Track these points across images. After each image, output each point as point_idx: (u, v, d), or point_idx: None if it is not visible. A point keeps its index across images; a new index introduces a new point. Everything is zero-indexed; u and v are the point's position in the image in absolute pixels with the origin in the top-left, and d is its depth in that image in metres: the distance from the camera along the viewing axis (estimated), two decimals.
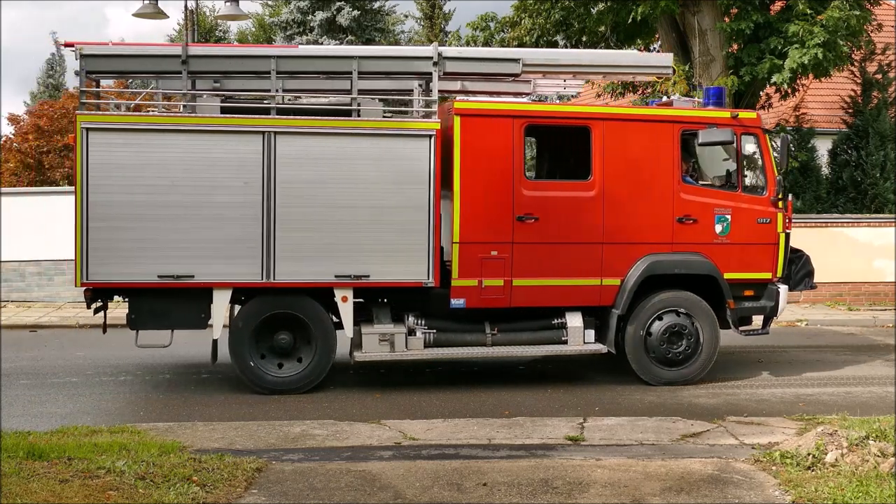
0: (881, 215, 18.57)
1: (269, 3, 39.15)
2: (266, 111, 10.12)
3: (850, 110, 20.50)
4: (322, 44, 29.73)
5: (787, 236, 10.90)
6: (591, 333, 10.59)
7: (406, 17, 41.08)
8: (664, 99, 12.02)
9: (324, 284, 10.06)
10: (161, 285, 9.83)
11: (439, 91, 10.58)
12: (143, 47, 11.34)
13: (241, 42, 39.59)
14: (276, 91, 10.31)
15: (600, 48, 19.24)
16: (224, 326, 10.25)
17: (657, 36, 20.65)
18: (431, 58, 10.38)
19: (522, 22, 19.97)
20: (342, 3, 31.15)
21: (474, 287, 10.24)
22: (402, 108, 11.08)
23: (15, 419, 8.94)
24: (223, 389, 10.50)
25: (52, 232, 17.26)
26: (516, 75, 11.10)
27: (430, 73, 10.40)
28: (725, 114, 10.85)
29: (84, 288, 9.90)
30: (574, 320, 10.53)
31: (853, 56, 19.27)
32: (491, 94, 11.94)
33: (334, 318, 10.27)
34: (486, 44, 20.86)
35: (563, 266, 10.40)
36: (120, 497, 6.35)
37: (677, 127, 10.64)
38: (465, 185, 10.15)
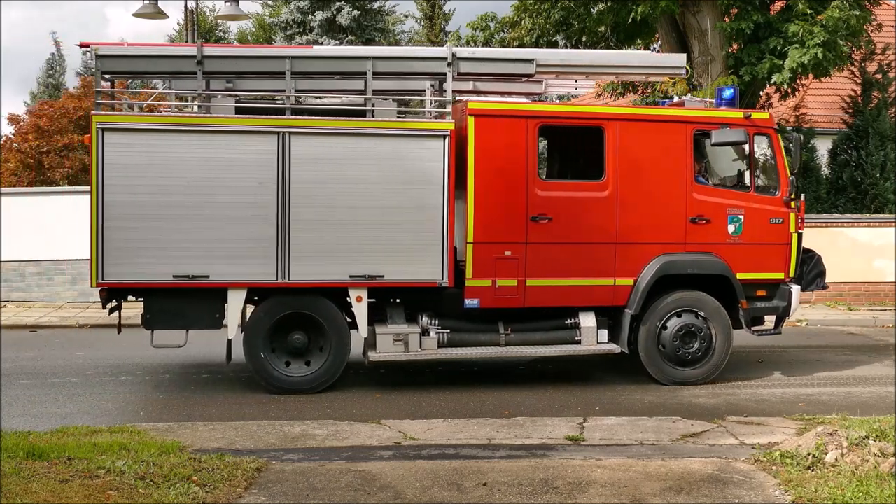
0: (881, 215, 18.57)
1: (269, 3, 39.20)
2: (281, 111, 10.15)
3: (850, 110, 20.49)
4: (322, 44, 29.73)
5: (800, 236, 10.91)
6: (604, 333, 10.61)
7: (406, 17, 41.16)
8: (675, 99, 12.01)
9: (338, 284, 10.07)
10: (176, 285, 9.84)
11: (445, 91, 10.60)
12: (158, 48, 11.40)
13: (242, 42, 39.59)
14: (290, 91, 10.31)
15: (600, 48, 19.25)
16: (238, 326, 10.24)
17: (657, 36, 20.64)
18: (446, 58, 10.41)
19: (523, 22, 19.96)
20: (342, 3, 31.17)
21: (488, 287, 10.26)
22: (414, 109, 11.09)
23: (15, 419, 8.94)
24: (223, 389, 10.50)
25: (52, 232, 17.30)
26: (530, 76, 11.12)
27: (444, 74, 10.42)
28: (738, 114, 10.86)
29: (100, 288, 9.90)
30: (587, 320, 10.55)
31: (853, 56, 19.26)
32: (502, 94, 11.95)
33: (347, 319, 10.29)
34: (486, 44, 20.85)
35: (576, 266, 10.42)
36: (120, 497, 6.34)
37: (690, 127, 10.65)
38: (479, 185, 10.17)
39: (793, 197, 10.88)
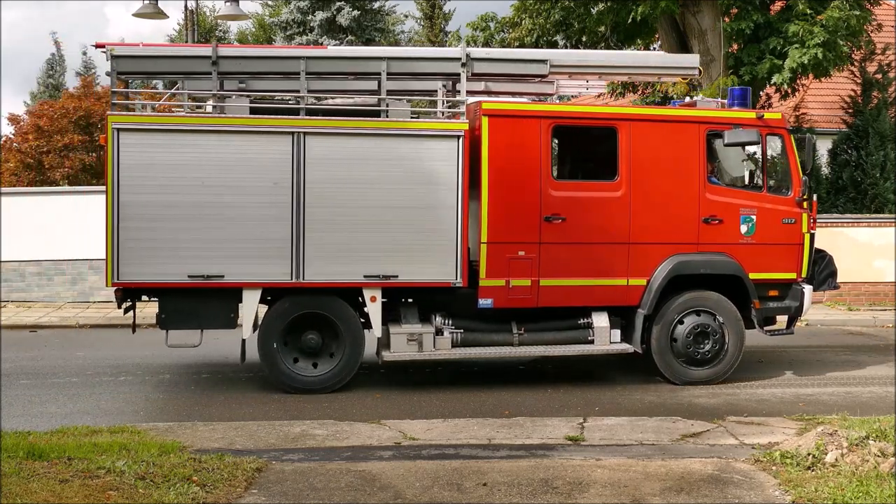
0: (881, 215, 18.56)
1: (269, 3, 39.20)
2: (294, 112, 10.16)
3: (850, 110, 20.48)
4: (322, 44, 29.73)
5: (812, 237, 10.93)
6: (617, 333, 10.63)
7: (406, 17, 41.17)
8: (686, 100, 12.02)
9: (353, 284, 10.10)
10: (191, 285, 9.86)
11: (459, 91, 10.62)
12: (173, 48, 11.43)
13: (241, 42, 39.58)
14: (304, 92, 10.33)
15: (600, 48, 19.26)
16: (252, 326, 10.24)
17: (657, 36, 20.65)
18: (460, 59, 10.43)
19: (523, 22, 19.97)
20: (342, 3, 31.17)
21: (502, 287, 10.27)
22: (425, 109, 11.10)
23: (15, 419, 8.94)
24: (223, 389, 10.51)
25: (52, 232, 17.29)
26: (544, 76, 11.14)
27: (458, 74, 10.44)
28: (751, 114, 10.88)
29: (115, 288, 9.90)
30: (600, 320, 10.57)
31: (853, 56, 19.27)
32: (513, 94, 11.96)
33: (360, 319, 10.31)
34: (486, 44, 20.84)
35: (589, 266, 10.44)
36: (120, 497, 6.34)
37: (703, 128, 10.67)
38: (493, 185, 10.19)
39: (805, 197, 10.89)
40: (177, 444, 7.69)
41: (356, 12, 31.15)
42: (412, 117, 10.64)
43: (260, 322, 10.26)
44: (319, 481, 6.90)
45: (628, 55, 13.14)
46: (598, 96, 21.56)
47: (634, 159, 10.47)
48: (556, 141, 10.48)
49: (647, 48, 21.62)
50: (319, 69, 10.58)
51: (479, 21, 21.02)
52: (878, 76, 20.31)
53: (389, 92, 10.55)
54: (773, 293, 10.96)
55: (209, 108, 10.83)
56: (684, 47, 18.48)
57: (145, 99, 13.60)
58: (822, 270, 11.21)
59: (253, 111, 10.23)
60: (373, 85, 10.99)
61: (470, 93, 11.14)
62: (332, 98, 11.48)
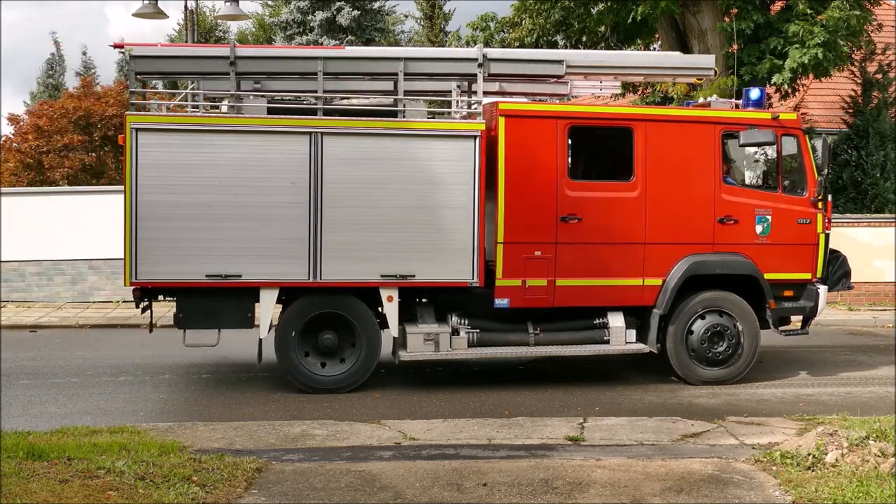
0: (881, 215, 18.56)
1: (269, 3, 39.18)
2: (312, 112, 10.17)
3: (850, 110, 20.49)
4: (322, 44, 29.73)
5: (827, 237, 10.95)
6: (632, 333, 10.65)
7: (406, 17, 41.14)
8: (700, 100, 12.05)
9: (370, 284, 10.12)
10: (209, 285, 9.88)
11: (474, 92, 10.63)
12: (191, 48, 11.44)
13: (241, 42, 39.57)
14: (321, 92, 10.32)
15: (600, 48, 19.26)
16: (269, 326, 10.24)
17: (657, 36, 20.65)
18: (476, 59, 10.44)
19: (523, 22, 19.97)
20: (342, 3, 31.15)
21: (518, 287, 10.29)
22: (440, 109, 11.11)
23: (15, 419, 8.94)
24: (223, 389, 10.50)
25: (52, 232, 17.28)
26: (560, 77, 11.15)
27: (475, 75, 10.45)
28: (766, 115, 10.90)
29: (133, 287, 9.92)
30: (616, 320, 10.59)
31: (853, 56, 19.27)
32: (527, 95, 11.97)
33: (377, 318, 10.33)
34: (486, 44, 20.84)
35: (605, 266, 10.47)
36: (120, 497, 6.34)
37: (718, 128, 10.70)
38: (509, 185, 10.21)
39: (820, 197, 10.91)
40: (177, 444, 7.69)
41: (356, 12, 31.13)
42: (428, 118, 10.66)
43: (276, 322, 10.27)
44: (319, 481, 6.90)
45: (645, 56, 13.18)
46: (598, 97, 21.56)
47: (650, 160, 10.49)
48: (572, 141, 10.52)
49: (647, 48, 21.63)
50: (337, 69, 10.60)
51: (479, 21, 21.02)
52: (879, 76, 20.31)
53: (406, 92, 10.55)
54: (787, 293, 11.00)
55: (224, 109, 10.84)
56: (684, 47, 18.48)
57: (162, 100, 13.62)
58: (837, 270, 11.24)
59: (270, 111, 10.25)
60: (387, 85, 11.06)
61: (484, 93, 11.17)
62: (348, 98, 11.49)
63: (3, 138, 23.58)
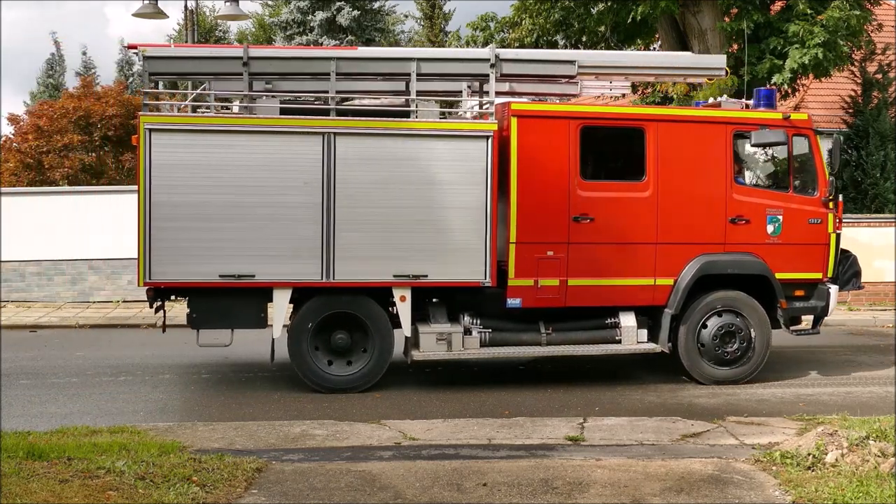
0: (881, 215, 18.56)
1: (269, 3, 39.17)
2: (325, 112, 10.18)
3: (851, 110, 20.49)
4: (322, 44, 29.73)
5: (838, 237, 10.97)
6: (644, 333, 10.67)
7: (406, 17, 41.11)
8: (711, 101, 12.06)
9: (383, 284, 10.13)
10: (222, 285, 9.90)
11: (486, 92, 10.63)
12: (204, 49, 11.46)
13: (241, 42, 39.56)
14: (334, 93, 10.33)
15: (600, 48, 19.25)
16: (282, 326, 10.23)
17: (657, 36, 20.65)
18: (489, 59, 10.44)
19: (523, 22, 19.96)
20: (342, 3, 31.13)
21: (530, 287, 10.31)
22: (451, 110, 11.12)
23: (15, 419, 8.94)
24: (223, 389, 10.51)
25: (52, 232, 17.29)
26: (571, 77, 11.17)
27: (487, 75, 10.46)
28: (777, 115, 10.92)
29: (147, 287, 9.93)
30: (627, 320, 10.60)
31: (853, 56, 19.26)
32: (538, 95, 11.97)
33: (389, 318, 10.34)
34: (486, 44, 20.84)
35: (617, 266, 10.49)
36: (120, 497, 6.34)
37: (730, 128, 10.71)
38: (521, 185, 10.22)
39: (831, 197, 10.92)
40: (177, 444, 7.69)
41: (356, 12, 31.12)
42: (441, 118, 10.67)
43: (289, 322, 10.27)
44: (319, 481, 6.90)
45: (657, 56, 13.20)
46: (598, 97, 21.57)
47: (662, 160, 10.50)
48: (584, 141, 10.54)
49: (646, 48, 21.62)
50: (350, 70, 10.61)
51: (479, 21, 21.02)
52: (879, 76, 20.31)
53: (419, 93, 10.55)
54: (798, 293, 11.03)
55: (235, 109, 10.85)
56: (684, 47, 18.47)
57: (174, 100, 13.62)
58: (847, 270, 11.26)
59: (283, 112, 10.26)
60: (398, 86, 11.08)
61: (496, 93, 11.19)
62: (359, 98, 11.51)
63: (3, 138, 23.58)
